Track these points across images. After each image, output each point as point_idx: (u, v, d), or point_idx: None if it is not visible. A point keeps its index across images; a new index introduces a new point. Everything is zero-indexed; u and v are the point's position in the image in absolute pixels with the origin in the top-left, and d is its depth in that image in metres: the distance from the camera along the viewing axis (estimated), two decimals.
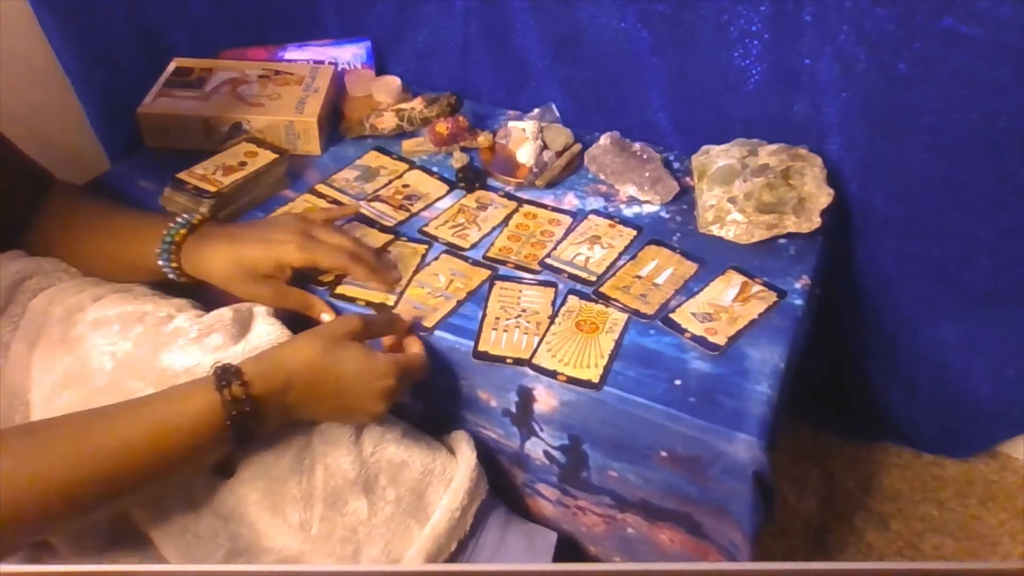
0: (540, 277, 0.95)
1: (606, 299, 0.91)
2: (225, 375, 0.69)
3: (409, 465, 0.81)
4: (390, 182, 1.09)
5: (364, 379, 0.74)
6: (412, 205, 1.05)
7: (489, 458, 0.92)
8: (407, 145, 1.14)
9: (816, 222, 0.96)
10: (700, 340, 0.86)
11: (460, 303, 0.90)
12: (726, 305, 0.90)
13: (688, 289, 0.93)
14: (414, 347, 0.83)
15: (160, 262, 0.83)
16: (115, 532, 0.75)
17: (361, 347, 0.76)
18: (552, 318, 0.89)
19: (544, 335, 0.87)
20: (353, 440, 0.79)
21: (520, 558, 0.86)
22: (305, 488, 0.76)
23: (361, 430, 0.81)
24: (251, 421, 0.69)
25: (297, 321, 0.83)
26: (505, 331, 0.88)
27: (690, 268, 0.95)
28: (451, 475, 0.83)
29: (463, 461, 0.85)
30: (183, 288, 0.86)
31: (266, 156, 1.04)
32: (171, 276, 0.84)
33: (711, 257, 0.97)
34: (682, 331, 0.87)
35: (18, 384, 0.76)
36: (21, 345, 0.77)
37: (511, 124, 1.13)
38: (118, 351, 0.75)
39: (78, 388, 0.74)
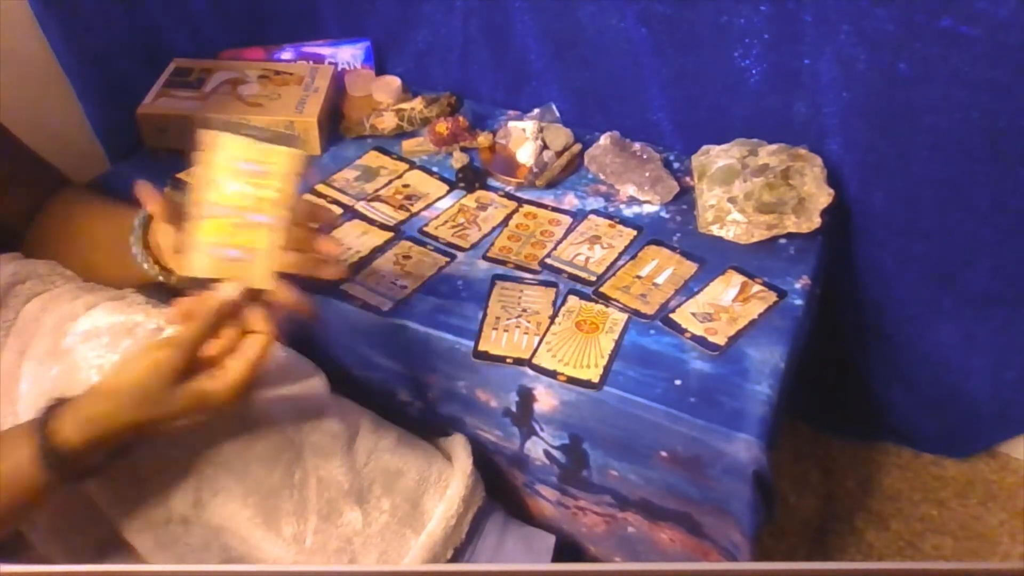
0: (540, 277, 0.95)
1: (606, 299, 0.91)
2: (45, 414, 0.64)
3: (404, 473, 0.81)
4: (390, 182, 1.09)
5: (132, 359, 0.64)
6: (412, 205, 1.05)
7: (488, 460, 0.92)
8: (407, 145, 1.14)
9: (816, 222, 0.96)
10: (700, 340, 0.86)
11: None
12: (726, 305, 0.90)
13: (688, 289, 0.93)
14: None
15: (133, 250, 0.78)
16: (104, 542, 0.75)
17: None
18: (552, 318, 0.89)
19: (544, 335, 0.87)
20: (345, 450, 0.78)
21: (518, 562, 0.85)
22: (298, 501, 0.75)
23: (355, 439, 0.80)
24: (69, 458, 0.63)
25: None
26: (505, 331, 0.88)
27: (690, 268, 0.95)
28: (447, 482, 0.83)
29: (459, 468, 0.84)
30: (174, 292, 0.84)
31: None
32: (145, 267, 0.79)
33: (711, 257, 0.97)
34: (682, 331, 0.87)
35: (8, 391, 0.75)
36: (11, 352, 0.76)
37: (511, 124, 1.13)
38: (106, 364, 0.74)
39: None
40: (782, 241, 0.99)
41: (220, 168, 0.65)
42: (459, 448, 0.87)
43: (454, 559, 0.81)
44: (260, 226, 0.65)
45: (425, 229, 1.01)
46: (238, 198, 0.65)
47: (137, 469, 0.71)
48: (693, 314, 0.89)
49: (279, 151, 0.66)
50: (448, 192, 1.07)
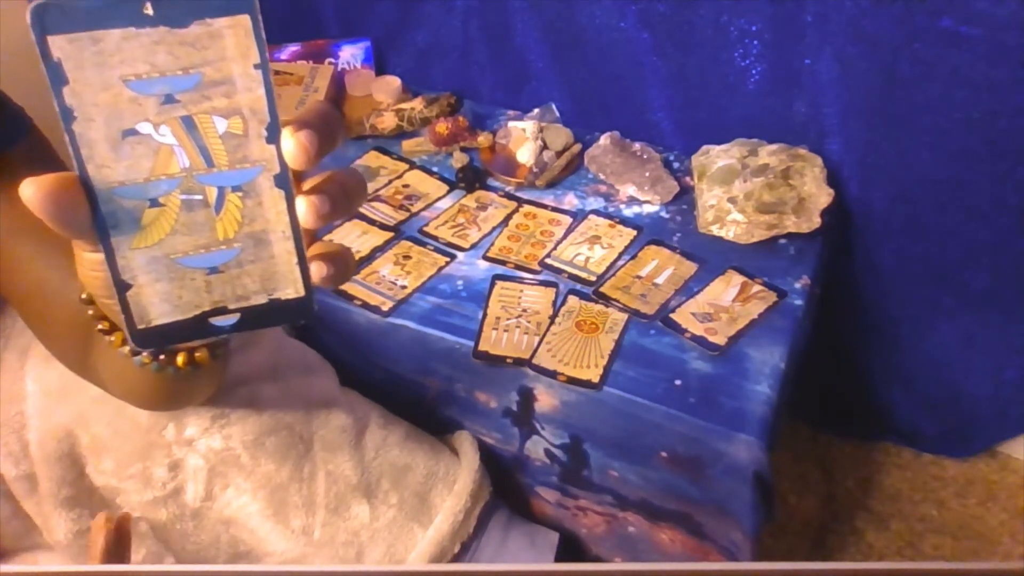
0: (540, 277, 0.95)
1: (606, 299, 0.91)
2: None
3: (412, 468, 0.81)
4: (390, 182, 1.09)
5: None
6: (412, 205, 1.05)
7: (488, 463, 0.92)
8: (407, 145, 1.14)
9: (816, 222, 0.96)
10: (700, 340, 0.86)
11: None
12: (726, 305, 0.90)
13: (688, 289, 0.93)
14: None
15: None
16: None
17: None
18: (552, 318, 0.89)
19: (544, 335, 0.87)
20: (354, 445, 0.79)
21: (522, 558, 0.86)
22: (306, 495, 0.76)
23: (363, 434, 0.80)
24: None
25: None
26: (506, 331, 0.88)
27: (690, 268, 0.95)
28: (454, 477, 0.83)
29: (466, 463, 0.85)
30: None
31: None
32: None
33: (711, 257, 0.97)
34: (682, 331, 0.87)
35: (13, 394, 0.75)
36: (12, 355, 0.76)
37: (511, 124, 1.13)
38: None
39: (74, 398, 0.73)
40: (782, 241, 0.99)
41: None
42: (466, 443, 0.88)
43: (460, 554, 0.81)
44: None
45: (425, 229, 1.01)
46: None
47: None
48: (693, 314, 0.89)
49: None
50: (448, 192, 1.07)
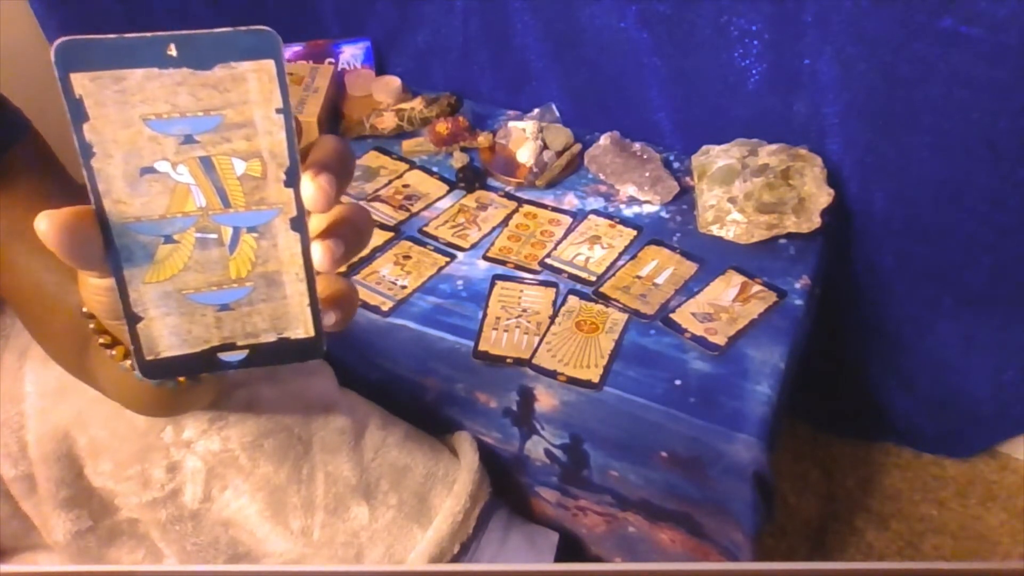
0: (540, 277, 0.95)
1: (606, 299, 0.91)
2: None
3: (412, 469, 0.81)
4: (390, 182, 1.09)
5: None
6: (412, 205, 1.05)
7: (488, 463, 0.92)
8: (407, 145, 1.14)
9: (816, 222, 0.96)
10: (700, 340, 0.86)
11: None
12: (726, 305, 0.90)
13: (688, 289, 0.93)
14: None
15: None
16: (114, 532, 0.75)
17: None
18: (552, 318, 0.89)
19: (544, 335, 0.87)
20: (353, 446, 0.79)
21: (522, 558, 0.86)
22: (305, 496, 0.76)
23: (362, 435, 0.80)
24: None
25: None
26: (506, 331, 0.88)
27: (690, 268, 0.95)
28: (454, 478, 0.83)
29: (466, 464, 0.85)
30: None
31: None
32: None
33: (711, 257, 0.97)
34: (682, 331, 0.87)
35: (12, 394, 0.75)
36: (12, 355, 0.76)
37: (511, 124, 1.13)
38: None
39: (73, 399, 0.73)
40: (782, 241, 0.99)
41: None
42: (466, 444, 0.88)
43: (460, 554, 0.81)
44: None
45: (425, 229, 1.01)
46: None
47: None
48: (693, 314, 0.89)
49: None
50: (448, 192, 1.07)
